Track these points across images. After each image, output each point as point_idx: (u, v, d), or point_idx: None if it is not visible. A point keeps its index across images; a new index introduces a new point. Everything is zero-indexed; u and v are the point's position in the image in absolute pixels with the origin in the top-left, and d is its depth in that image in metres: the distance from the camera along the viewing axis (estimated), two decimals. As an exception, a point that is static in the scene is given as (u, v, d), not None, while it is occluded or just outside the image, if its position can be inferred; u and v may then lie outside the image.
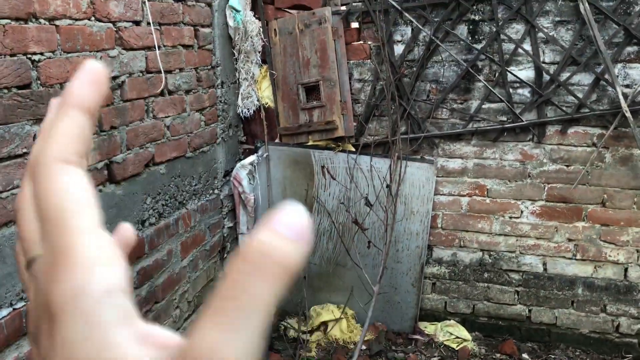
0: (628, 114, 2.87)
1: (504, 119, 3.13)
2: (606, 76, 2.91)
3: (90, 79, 0.32)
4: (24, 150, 1.66)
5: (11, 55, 1.62)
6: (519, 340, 3.34)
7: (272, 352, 3.00)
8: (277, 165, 3.24)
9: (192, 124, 2.73)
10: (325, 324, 3.24)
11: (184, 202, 2.69)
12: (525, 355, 3.21)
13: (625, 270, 3.16)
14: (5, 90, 1.61)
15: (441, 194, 3.30)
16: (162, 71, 2.43)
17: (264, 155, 3.20)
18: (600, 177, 3.09)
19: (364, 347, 3.14)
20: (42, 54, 1.74)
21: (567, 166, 3.11)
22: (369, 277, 3.10)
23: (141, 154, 2.33)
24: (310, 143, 3.23)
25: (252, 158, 3.18)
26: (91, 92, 0.32)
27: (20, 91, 1.65)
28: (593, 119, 3.02)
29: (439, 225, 3.34)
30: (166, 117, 2.51)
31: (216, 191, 3.04)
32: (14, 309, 1.66)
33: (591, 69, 2.94)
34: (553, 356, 3.21)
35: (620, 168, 3.05)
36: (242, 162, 3.15)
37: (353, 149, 3.24)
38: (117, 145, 2.16)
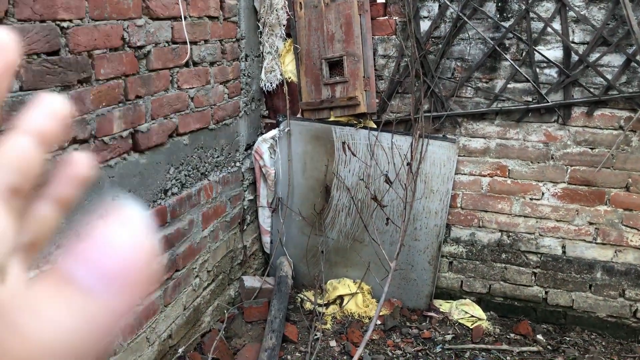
0: (658, 97, 2.81)
1: (529, 99, 3.08)
2: (638, 57, 2.84)
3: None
4: (53, 116, 1.70)
5: (41, 22, 1.65)
6: (534, 322, 3.34)
7: (289, 323, 3.06)
8: (298, 140, 3.25)
9: (215, 96, 2.75)
10: (341, 297, 3.29)
11: (206, 173, 2.72)
12: (539, 337, 3.22)
13: (646, 255, 3.13)
14: (35, 56, 1.64)
15: (462, 174, 3.28)
16: (188, 42, 2.44)
17: (286, 130, 3.21)
18: (625, 161, 3.04)
19: (378, 322, 3.18)
20: (70, 20, 1.77)
21: (592, 149, 3.06)
22: (386, 254, 3.12)
23: (165, 124, 2.35)
24: (331, 119, 3.23)
25: (273, 132, 3.20)
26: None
27: (49, 57, 1.68)
28: (621, 102, 2.96)
29: (459, 205, 3.33)
30: (190, 88, 2.52)
31: (238, 164, 3.07)
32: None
33: (622, 50, 2.87)
34: (568, 338, 3.21)
35: (646, 152, 3.00)
36: (264, 136, 3.17)
37: (374, 126, 3.24)
38: (141, 114, 2.19)
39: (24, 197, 0.30)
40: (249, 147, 3.19)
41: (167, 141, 2.38)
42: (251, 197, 3.28)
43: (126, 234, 0.25)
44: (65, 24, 1.75)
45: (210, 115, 2.71)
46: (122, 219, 0.25)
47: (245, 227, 3.24)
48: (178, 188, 2.48)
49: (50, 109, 0.30)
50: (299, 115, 3.28)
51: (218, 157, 2.83)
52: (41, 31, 1.65)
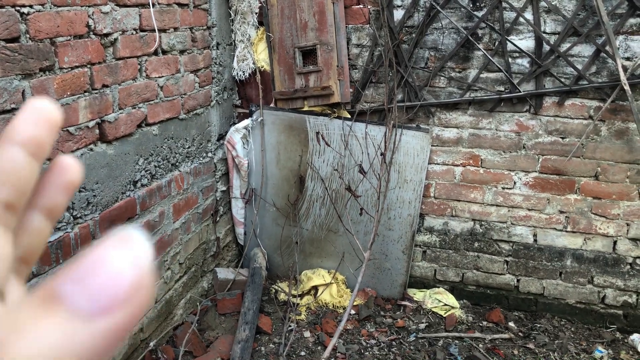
0: (627, 87, 2.85)
1: (502, 89, 3.10)
2: (607, 48, 2.88)
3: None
4: (12, 105, 1.63)
5: (-1, 7, 1.58)
6: (506, 309, 3.39)
7: (263, 314, 3.04)
8: (272, 130, 3.22)
9: (186, 85, 2.70)
10: (315, 288, 3.28)
11: (177, 164, 2.67)
12: (511, 324, 3.26)
13: (615, 243, 3.19)
14: (-7, 43, 1.57)
15: (435, 163, 3.29)
16: (156, 30, 2.38)
17: (259, 120, 3.17)
18: (594, 150, 3.09)
19: (353, 312, 3.19)
20: (31, 6, 1.70)
21: (563, 138, 3.10)
22: (360, 244, 3.12)
23: (133, 113, 2.30)
24: (305, 108, 3.20)
25: (246, 122, 3.15)
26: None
27: (8, 45, 1.61)
28: (591, 92, 3.00)
29: (432, 194, 3.35)
30: (159, 77, 2.47)
31: (210, 154, 3.02)
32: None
33: (592, 40, 2.90)
34: (539, 325, 3.27)
35: (615, 142, 3.05)
36: (237, 125, 3.13)
37: (349, 116, 3.22)
38: (108, 104, 2.13)
39: (19, 212, 0.29)
40: (222, 137, 3.14)
41: (135, 131, 2.32)
42: (224, 188, 3.24)
43: (122, 256, 0.23)
44: (25, 10, 1.68)
45: (181, 105, 2.66)
46: (119, 242, 0.23)
47: (218, 218, 3.20)
48: (148, 179, 2.43)
49: (40, 116, 0.29)
50: (272, 105, 3.24)
51: (189, 147, 2.78)
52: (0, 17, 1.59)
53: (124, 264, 0.23)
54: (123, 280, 0.23)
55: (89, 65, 1.98)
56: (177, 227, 2.73)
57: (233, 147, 3.10)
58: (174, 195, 2.67)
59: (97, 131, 2.07)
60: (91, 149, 2.06)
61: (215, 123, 3.06)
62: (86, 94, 1.98)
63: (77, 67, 1.92)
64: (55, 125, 0.29)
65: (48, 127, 0.29)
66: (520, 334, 3.17)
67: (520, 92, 3.05)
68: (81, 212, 2.00)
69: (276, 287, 3.33)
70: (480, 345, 3.02)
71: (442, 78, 3.16)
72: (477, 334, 3.11)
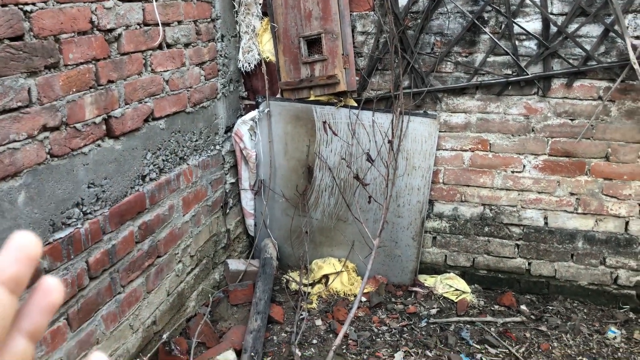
0: (636, 66, 2.81)
1: (509, 72, 3.07)
2: (616, 27, 2.83)
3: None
4: (19, 104, 1.65)
5: (2, 6, 1.59)
6: (517, 293, 3.38)
7: (274, 304, 3.06)
8: (279, 121, 3.22)
9: (191, 79, 2.70)
10: (326, 277, 3.29)
11: (185, 157, 2.69)
12: (523, 307, 3.26)
13: (627, 223, 3.17)
14: (-2, 43, 1.59)
15: (443, 149, 3.28)
16: (160, 24, 2.38)
17: (265, 111, 3.17)
18: (605, 131, 3.05)
19: (364, 299, 3.20)
20: (34, 4, 1.71)
21: (572, 120, 3.07)
22: (369, 232, 3.13)
23: (140, 108, 2.31)
24: (312, 98, 3.20)
25: (253, 113, 3.15)
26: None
27: (12, 43, 1.63)
28: (600, 72, 2.96)
29: (441, 180, 3.34)
30: (165, 71, 2.47)
31: (217, 147, 3.03)
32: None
33: (600, 20, 2.86)
34: (551, 307, 3.26)
35: (625, 122, 3.01)
36: (243, 117, 3.13)
37: (355, 104, 3.21)
38: (114, 99, 2.14)
39: (1, 343, 0.30)
40: (229, 129, 3.15)
41: (142, 126, 2.33)
42: (233, 180, 3.26)
43: None
44: (28, 7, 1.69)
45: (187, 98, 2.66)
46: None
47: (227, 210, 3.22)
48: (156, 173, 2.45)
49: (21, 254, 0.30)
50: (278, 96, 3.24)
51: (197, 140, 2.79)
52: (3, 15, 1.60)
53: None
54: None
55: (93, 62, 1.99)
56: (187, 220, 2.75)
57: (240, 139, 3.10)
58: (183, 189, 2.69)
59: (104, 127, 2.09)
60: (99, 145, 2.07)
61: (222, 115, 3.06)
62: (92, 90, 1.99)
63: (82, 63, 1.93)
64: (35, 259, 0.31)
65: (28, 264, 0.30)
66: (532, 316, 3.17)
67: (528, 74, 3.02)
68: (90, 207, 2.02)
69: (287, 277, 3.35)
70: (492, 329, 3.02)
71: (448, 63, 3.13)
72: (489, 318, 3.11)
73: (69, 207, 1.92)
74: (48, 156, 1.80)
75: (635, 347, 2.95)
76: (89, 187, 2.01)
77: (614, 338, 3.01)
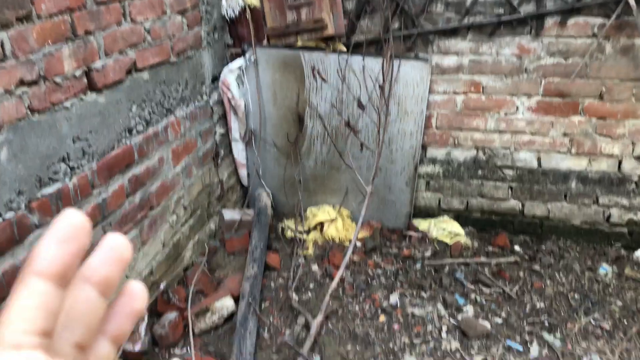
0: (632, 2, 2.73)
1: (501, 11, 2.98)
2: (610, -42, 2.73)
3: (61, 235, 0.28)
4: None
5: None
6: (511, 234, 3.42)
7: (271, 251, 3.11)
8: (266, 69, 3.16)
9: (173, 28, 2.63)
10: (321, 224, 3.33)
11: (172, 109, 2.66)
12: (517, 248, 3.31)
13: (619, 162, 3.16)
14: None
15: (436, 93, 3.23)
16: (136, -30, 2.30)
17: (252, 59, 3.11)
18: (599, 70, 3.00)
19: (359, 244, 3.24)
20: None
21: (565, 59, 3.01)
22: (363, 178, 3.13)
23: (121, 60, 2.26)
24: (299, 44, 3.13)
25: (239, 62, 3.10)
26: (60, 254, 0.28)
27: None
28: (595, 8, 2.88)
29: (434, 125, 3.31)
30: (145, 20, 2.41)
31: (205, 97, 3.00)
32: (4, 219, 1.71)
33: (595, -49, 2.75)
34: (544, 247, 3.31)
35: (620, 59, 2.96)
36: (230, 66, 3.07)
37: (344, 49, 3.14)
38: (94, 51, 2.09)
39: (88, 349, 0.30)
40: (216, 79, 3.10)
41: (125, 78, 2.29)
42: (223, 131, 3.23)
43: None
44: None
45: (170, 48, 2.61)
46: None
47: (219, 161, 3.22)
48: (143, 126, 2.43)
49: (114, 255, 0.30)
50: (265, 43, 3.17)
51: (183, 91, 2.75)
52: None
53: None
54: None
55: (68, 12, 1.94)
56: (178, 172, 2.75)
57: (228, 88, 3.06)
58: (172, 141, 2.67)
59: (85, 80, 2.05)
60: (81, 99, 2.04)
61: (208, 65, 3.01)
62: (69, 42, 1.95)
63: (56, 14, 1.87)
64: (126, 262, 0.31)
65: (120, 267, 0.30)
66: (526, 256, 3.22)
67: (520, 14, 2.94)
68: (77, 162, 2.01)
69: (282, 225, 3.39)
70: (486, 270, 3.08)
71: (439, 4, 3.04)
72: (483, 259, 3.16)
73: (54, 163, 1.91)
74: (28, 111, 1.78)
75: (626, 282, 3.01)
76: (73, 141, 2.00)
77: (605, 275, 3.06)
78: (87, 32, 2.04)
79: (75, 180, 2.01)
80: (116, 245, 0.31)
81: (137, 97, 2.37)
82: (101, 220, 2.18)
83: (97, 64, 2.11)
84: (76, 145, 2.01)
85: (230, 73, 3.04)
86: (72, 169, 1.99)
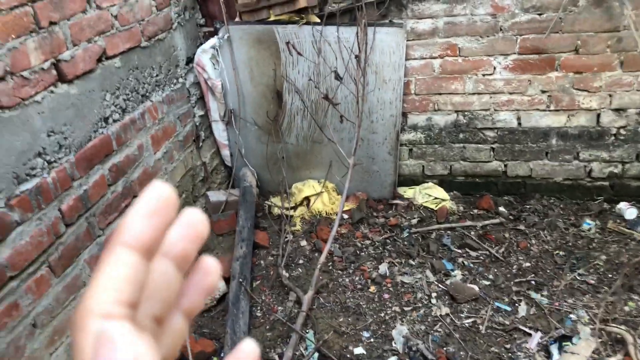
0: (602, -48, 2.71)
1: (473, -30, 2.95)
2: None
3: (150, 208, 0.28)
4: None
5: None
6: (496, 195, 3.46)
7: (259, 230, 3.12)
8: (240, 47, 3.12)
9: (142, 11, 2.58)
10: (307, 199, 3.34)
11: (147, 94, 2.62)
12: (502, 209, 3.35)
13: (598, 116, 3.19)
14: None
15: (412, 59, 3.22)
16: (97, -46, 2.23)
17: (225, 37, 3.07)
18: (573, 23, 2.99)
19: (346, 217, 3.26)
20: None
21: (540, 15, 3.00)
22: (345, 151, 3.13)
23: (90, 48, 2.22)
24: (272, 18, 3.08)
25: (213, 41, 3.05)
26: (148, 227, 0.28)
27: None
28: (566, -39, 2.86)
29: (412, 92, 3.31)
30: (112, 5, 2.35)
31: (180, 80, 2.96)
32: None
33: None
34: (528, 206, 3.35)
35: (594, 11, 2.95)
36: (203, 46, 3.03)
37: (318, 20, 3.10)
38: (60, 42, 2.05)
39: (165, 322, 0.30)
40: (190, 60, 3.06)
41: (96, 67, 2.25)
42: (202, 113, 3.20)
43: None
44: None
45: (140, 32, 2.56)
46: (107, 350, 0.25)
47: (201, 143, 3.20)
48: (119, 114, 2.40)
49: (193, 232, 0.30)
50: (237, 20, 3.12)
51: (157, 75, 2.71)
52: None
53: None
54: None
55: (29, 4, 1.89)
56: (159, 158, 2.73)
57: (203, 69, 3.02)
58: (150, 127, 2.65)
59: (54, 72, 2.01)
60: (52, 91, 2.01)
61: (181, 46, 2.96)
62: (33, 34, 1.90)
63: (17, 6, 1.83)
64: (203, 238, 0.31)
65: (197, 243, 0.30)
66: (510, 217, 3.26)
67: (492, -29, 2.91)
68: (54, 156, 1.99)
69: (269, 203, 3.40)
70: (472, 233, 3.12)
71: (409, -33, 3.00)
72: (469, 223, 3.20)
73: (30, 158, 1.89)
74: (-2, 108, 1.75)
75: (609, 236, 3.07)
76: (48, 135, 1.97)
77: (589, 230, 3.12)
78: (52, 23, 2.00)
79: (54, 174, 1.99)
80: (194, 221, 0.31)
81: (110, 85, 2.33)
82: (84, 211, 2.17)
83: (66, 54, 2.07)
84: (52, 139, 1.99)
85: (204, 53, 2.99)
86: (49, 163, 1.97)
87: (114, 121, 2.37)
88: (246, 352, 0.32)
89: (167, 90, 2.81)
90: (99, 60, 2.27)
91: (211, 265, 0.33)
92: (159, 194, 0.29)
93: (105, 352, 0.24)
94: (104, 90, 2.30)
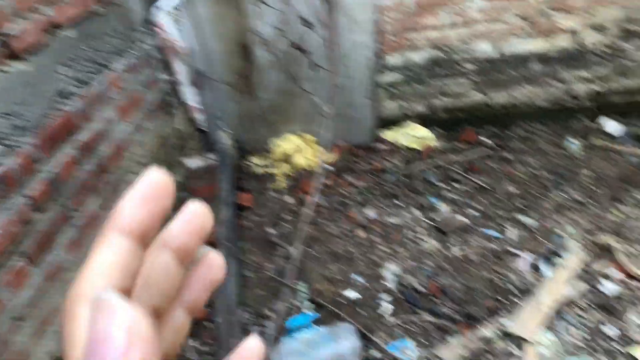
0: None
1: None
2: None
3: (144, 194, 0.28)
4: None
5: None
6: (479, 127, 3.40)
7: (242, 192, 3.06)
8: (203, 2, 2.95)
9: (89, -27, 2.40)
10: (289, 154, 3.26)
11: (107, 64, 2.48)
12: (485, 139, 3.30)
13: (578, 35, 3.09)
14: None
15: (382, -4, 3.07)
16: None
17: (183, -7, 2.89)
18: (545, -59, 2.86)
19: (331, 167, 3.20)
20: None
21: None
22: (322, 101, 3.03)
23: (38, 20, 2.07)
24: (230, -32, 2.90)
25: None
26: (142, 212, 0.27)
27: None
28: None
29: (386, 31, 3.18)
30: (54, -30, 2.18)
31: (140, 44, 2.80)
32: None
33: None
34: (512, 133, 3.30)
35: None
36: (162, 5, 2.86)
37: (278, -35, 2.93)
38: (3, 15, 1.90)
39: (164, 315, 0.30)
40: (149, 22, 2.89)
41: (48, 39, 2.11)
42: (168, 77, 3.06)
43: (113, 330, 0.23)
44: None
45: (90, -3, 2.39)
46: (105, 314, 0.24)
47: (173, 110, 3.07)
48: (79, 87, 2.27)
49: (195, 225, 0.29)
50: (193, -27, 2.93)
51: (115, 42, 2.56)
52: None
53: (118, 340, 0.23)
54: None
55: (-41, -23, 1.73)
56: (129, 130, 2.62)
57: (164, 30, 2.86)
58: (115, 98, 2.52)
59: (2, 49, 1.88)
60: (2, 71, 1.88)
61: (137, 8, 2.79)
62: (-31, 10, 1.75)
63: (-55, -18, 1.67)
64: (206, 232, 0.30)
65: (200, 237, 0.29)
66: (496, 146, 3.22)
67: None
68: (13, 140, 1.88)
69: (249, 163, 3.31)
70: (458, 167, 3.07)
71: None
72: (454, 157, 3.15)
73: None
74: (-57, 96, 1.63)
75: (593, 152, 3.04)
76: (4, 118, 1.86)
77: (574, 149, 3.08)
78: (-11, -5, 1.84)
79: (16, 160, 1.89)
80: (197, 214, 0.30)
81: (65, 57, 2.19)
82: (57, 194, 2.08)
83: (12, 28, 1.92)
84: (8, 122, 1.87)
85: (163, 13, 2.83)
86: (8, 147, 1.86)
87: (74, 95, 2.24)
88: (251, 349, 0.31)
89: (128, 57, 2.66)
90: (50, 32, 2.13)
91: (216, 261, 0.31)
92: (153, 179, 0.28)
93: (104, 316, 0.23)
94: (59, 64, 2.16)
